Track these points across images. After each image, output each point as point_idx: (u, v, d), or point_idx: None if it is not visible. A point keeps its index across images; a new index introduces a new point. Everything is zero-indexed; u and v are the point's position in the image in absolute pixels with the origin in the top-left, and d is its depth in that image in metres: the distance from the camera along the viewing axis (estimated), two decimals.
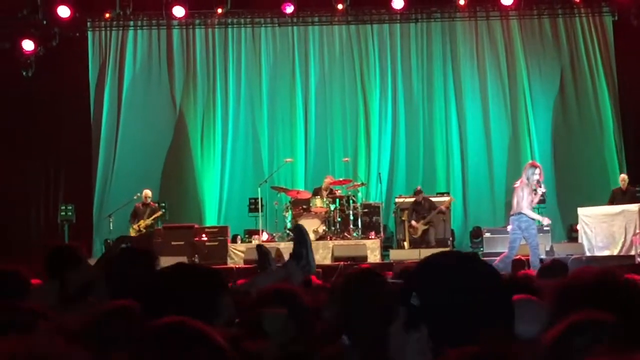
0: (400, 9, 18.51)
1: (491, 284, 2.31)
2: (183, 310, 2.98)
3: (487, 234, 17.16)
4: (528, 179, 12.74)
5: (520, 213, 12.86)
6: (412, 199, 17.63)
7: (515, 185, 13.01)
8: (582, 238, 16.07)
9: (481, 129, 19.71)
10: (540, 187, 12.91)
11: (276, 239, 16.89)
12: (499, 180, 19.24)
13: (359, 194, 18.01)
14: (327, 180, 17.83)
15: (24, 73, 18.41)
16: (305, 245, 5.29)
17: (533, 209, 13.17)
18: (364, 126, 19.92)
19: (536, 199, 12.94)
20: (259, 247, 5.76)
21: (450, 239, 17.71)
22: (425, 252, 12.74)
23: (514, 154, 19.46)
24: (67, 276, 4.79)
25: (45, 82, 18.67)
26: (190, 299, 3.08)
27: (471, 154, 19.63)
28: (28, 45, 18.25)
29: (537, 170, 12.92)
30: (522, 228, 12.92)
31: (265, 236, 17.17)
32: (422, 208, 17.44)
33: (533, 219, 13.05)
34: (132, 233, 17.04)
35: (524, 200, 12.83)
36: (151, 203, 17.50)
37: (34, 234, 18.86)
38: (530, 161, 14.63)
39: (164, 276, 3.37)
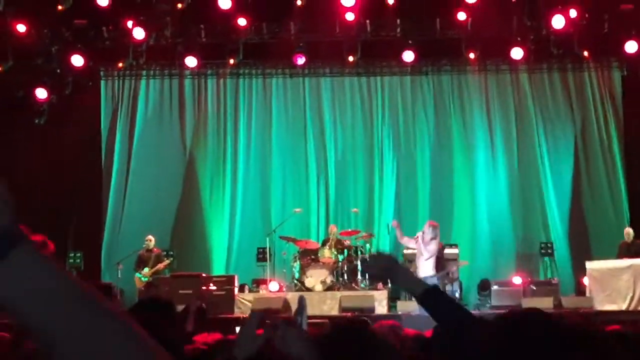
0: (410, 62, 18.58)
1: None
2: None
3: (495, 287, 16.98)
4: (435, 237, 13.09)
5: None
6: None
7: (433, 242, 13.43)
8: (590, 292, 16.00)
9: (490, 181, 19.71)
10: None
11: (284, 289, 16.84)
12: (506, 232, 19.21)
13: (367, 245, 17.92)
14: (331, 229, 17.84)
15: (37, 121, 18.57)
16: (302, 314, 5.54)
17: None
18: (377, 176, 19.94)
19: None
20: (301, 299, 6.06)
21: (458, 291, 17.57)
22: None
23: (524, 206, 19.47)
24: None
25: (57, 130, 18.72)
26: None
27: (479, 205, 19.60)
28: (41, 93, 18.36)
29: None
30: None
31: (276, 286, 16.85)
32: None
33: None
34: (138, 281, 17.00)
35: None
36: (154, 249, 17.44)
37: None
38: (431, 220, 14.80)
39: None
